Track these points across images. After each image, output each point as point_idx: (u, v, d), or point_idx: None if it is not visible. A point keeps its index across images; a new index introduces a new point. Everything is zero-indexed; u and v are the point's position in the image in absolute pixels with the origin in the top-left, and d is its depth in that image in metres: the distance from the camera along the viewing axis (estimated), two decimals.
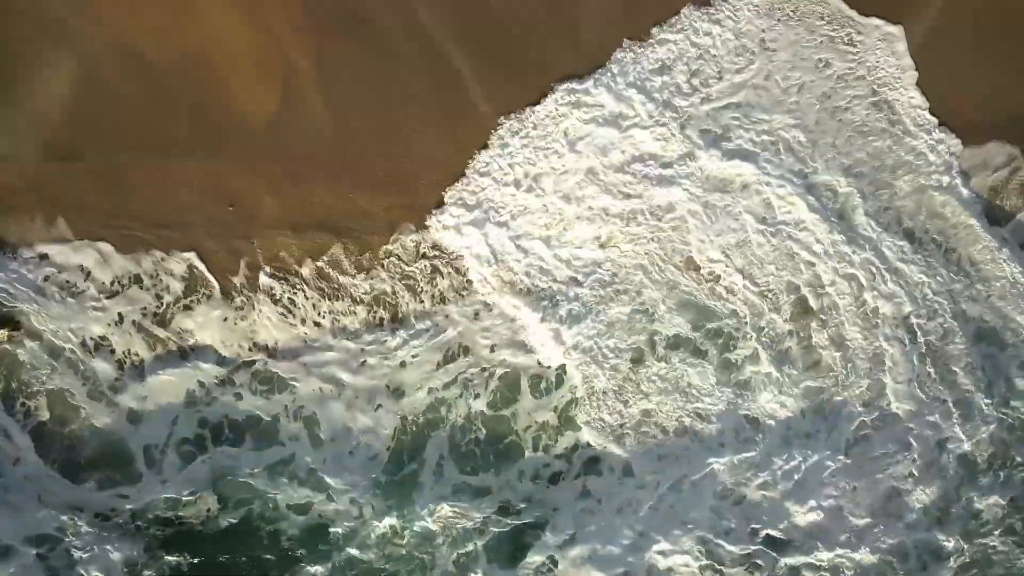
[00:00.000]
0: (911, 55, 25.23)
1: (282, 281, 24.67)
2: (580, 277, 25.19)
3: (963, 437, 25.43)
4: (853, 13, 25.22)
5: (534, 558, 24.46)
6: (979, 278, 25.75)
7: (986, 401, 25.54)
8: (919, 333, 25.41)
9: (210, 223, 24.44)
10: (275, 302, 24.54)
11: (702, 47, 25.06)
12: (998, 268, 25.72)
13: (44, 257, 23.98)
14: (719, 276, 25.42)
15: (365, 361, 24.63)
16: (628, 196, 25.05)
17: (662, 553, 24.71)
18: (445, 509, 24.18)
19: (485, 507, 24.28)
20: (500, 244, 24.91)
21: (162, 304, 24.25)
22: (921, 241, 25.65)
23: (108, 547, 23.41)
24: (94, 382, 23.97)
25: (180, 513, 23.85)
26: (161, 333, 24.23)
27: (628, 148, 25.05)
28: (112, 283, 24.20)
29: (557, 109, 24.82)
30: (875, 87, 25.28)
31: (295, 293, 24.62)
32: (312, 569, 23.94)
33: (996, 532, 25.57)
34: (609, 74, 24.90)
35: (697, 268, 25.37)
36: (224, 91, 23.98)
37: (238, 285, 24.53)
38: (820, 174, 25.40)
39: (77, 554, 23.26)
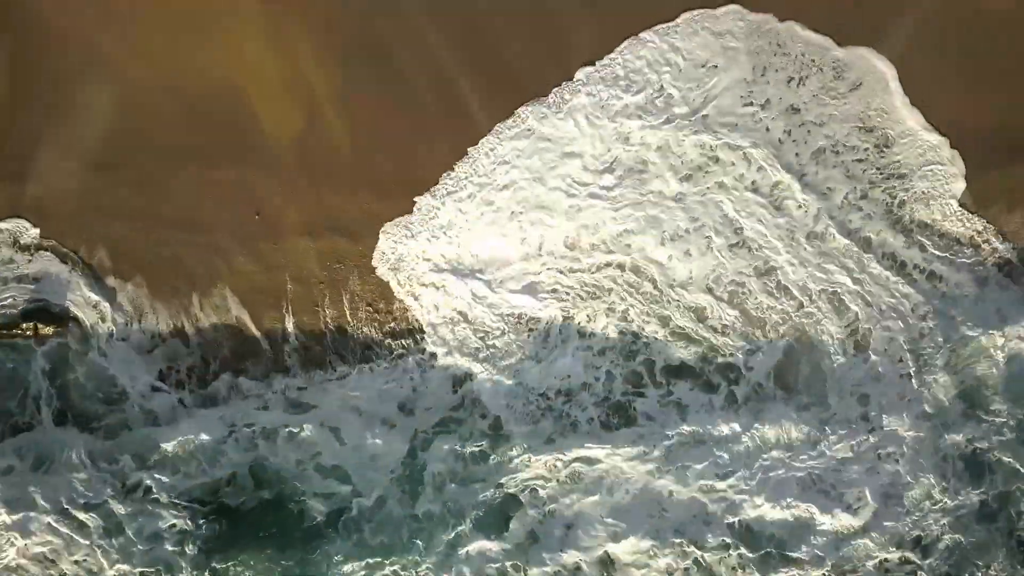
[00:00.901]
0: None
1: (311, 339, 27.05)
2: (529, 321, 26.69)
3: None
4: (830, 43, 25.94)
5: (517, 525, 26.34)
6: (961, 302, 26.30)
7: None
8: (907, 356, 26.14)
9: (237, 229, 26.74)
10: (314, 365, 27.09)
11: (666, 64, 26.13)
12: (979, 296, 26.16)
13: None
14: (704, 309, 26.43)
15: (386, 390, 27.00)
16: (584, 211, 26.39)
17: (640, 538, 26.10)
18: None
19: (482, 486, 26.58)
20: (443, 282, 26.75)
21: (209, 371, 26.87)
22: (903, 264, 26.25)
23: (155, 517, 26.03)
24: (154, 418, 26.77)
25: (220, 494, 26.38)
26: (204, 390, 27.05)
27: (587, 164, 26.41)
28: (153, 336, 26.86)
29: (519, 126, 26.50)
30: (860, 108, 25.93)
31: (330, 358, 27.03)
32: (332, 545, 26.25)
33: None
34: (572, 91, 26.29)
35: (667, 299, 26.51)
36: (254, 111, 26.31)
37: (288, 351, 26.99)
38: (793, 190, 26.20)
39: (128, 521, 25.95)
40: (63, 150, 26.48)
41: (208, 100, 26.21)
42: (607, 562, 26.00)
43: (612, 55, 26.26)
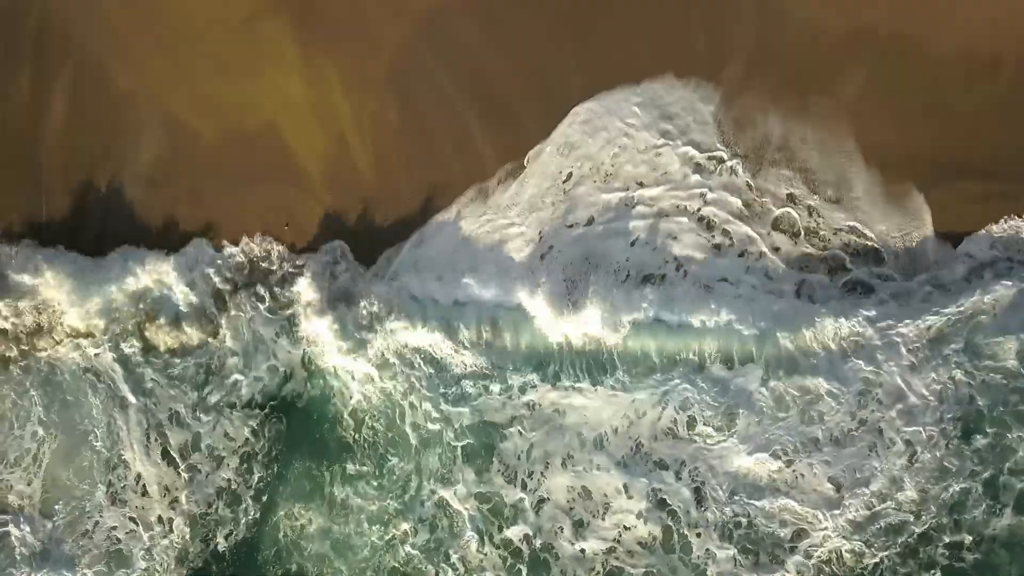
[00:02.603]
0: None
1: None
2: None
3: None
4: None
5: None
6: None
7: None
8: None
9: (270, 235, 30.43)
10: None
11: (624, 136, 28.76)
12: None
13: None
14: None
15: None
16: None
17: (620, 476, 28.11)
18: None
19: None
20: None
21: None
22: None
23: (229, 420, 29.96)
24: None
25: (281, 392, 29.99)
26: None
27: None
28: None
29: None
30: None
31: None
32: (353, 457, 29.45)
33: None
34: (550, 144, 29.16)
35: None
36: (289, 138, 30.04)
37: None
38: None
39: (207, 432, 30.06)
40: (121, 167, 30.43)
41: (249, 127, 29.85)
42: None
43: (564, 125, 28.97)
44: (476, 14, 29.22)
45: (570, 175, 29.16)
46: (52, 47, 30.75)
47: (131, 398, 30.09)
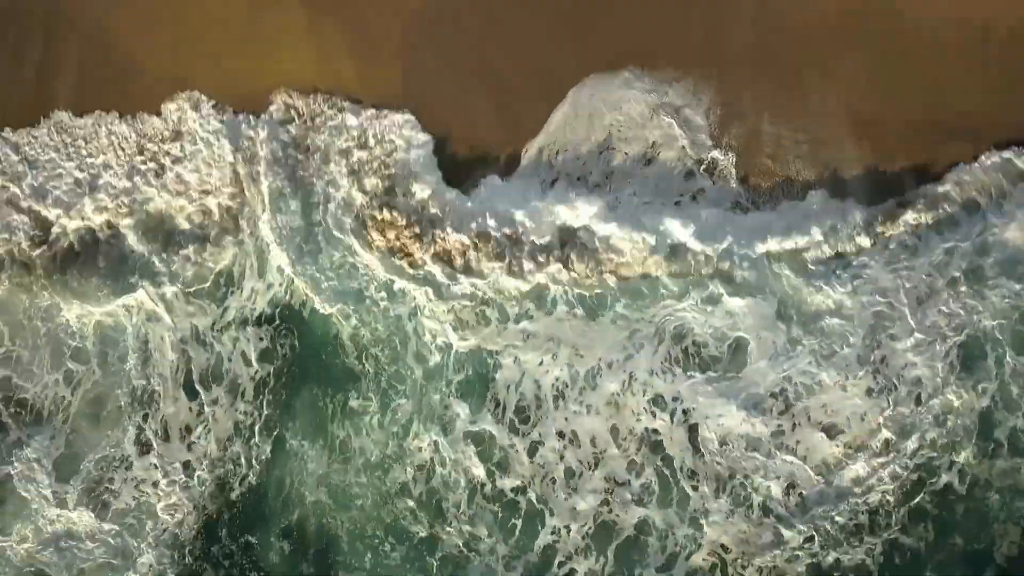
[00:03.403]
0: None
1: None
2: None
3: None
4: None
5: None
6: None
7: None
8: None
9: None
10: None
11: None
12: None
13: None
14: None
15: None
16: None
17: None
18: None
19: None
20: None
21: None
22: None
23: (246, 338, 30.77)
24: None
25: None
26: None
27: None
28: None
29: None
30: None
31: None
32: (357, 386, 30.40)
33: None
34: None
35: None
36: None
37: None
38: None
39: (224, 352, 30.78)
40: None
41: (255, 102, 30.54)
42: None
43: (552, 125, 29.59)
44: (476, 14, 29.84)
45: (555, 180, 29.92)
46: (58, 29, 31.47)
47: (161, 316, 30.88)
